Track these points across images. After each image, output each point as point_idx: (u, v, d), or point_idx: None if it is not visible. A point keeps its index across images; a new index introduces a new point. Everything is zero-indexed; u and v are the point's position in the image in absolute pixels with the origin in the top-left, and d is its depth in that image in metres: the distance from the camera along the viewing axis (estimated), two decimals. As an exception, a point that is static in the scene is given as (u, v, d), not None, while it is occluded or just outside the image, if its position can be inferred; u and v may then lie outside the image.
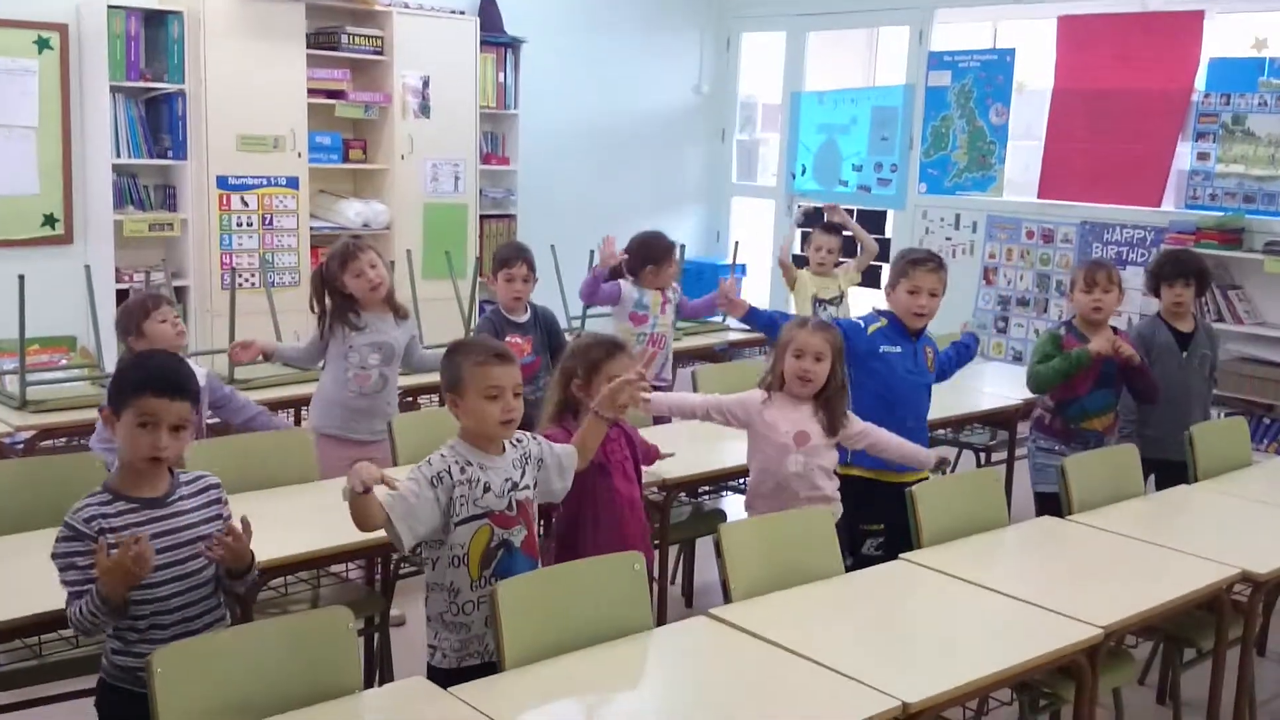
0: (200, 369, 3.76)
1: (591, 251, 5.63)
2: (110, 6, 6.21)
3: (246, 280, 6.55)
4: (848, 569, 3.18)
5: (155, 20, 6.40)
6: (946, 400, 4.55)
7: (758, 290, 8.76)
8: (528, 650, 2.50)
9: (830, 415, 3.49)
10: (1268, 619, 3.97)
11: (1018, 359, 7.39)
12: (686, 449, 3.81)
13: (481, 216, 7.77)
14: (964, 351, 4.33)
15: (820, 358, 3.45)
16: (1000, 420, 5.15)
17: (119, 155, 6.38)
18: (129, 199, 6.54)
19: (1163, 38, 7.07)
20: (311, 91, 6.89)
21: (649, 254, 5.16)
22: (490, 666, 2.56)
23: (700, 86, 9.33)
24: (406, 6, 7.31)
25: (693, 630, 2.78)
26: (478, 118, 7.61)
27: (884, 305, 4.07)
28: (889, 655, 2.64)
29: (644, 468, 3.41)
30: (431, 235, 7.38)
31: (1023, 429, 4.85)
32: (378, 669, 3.64)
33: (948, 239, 8.04)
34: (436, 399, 4.54)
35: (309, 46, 6.86)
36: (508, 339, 4.38)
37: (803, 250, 7.04)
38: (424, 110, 7.34)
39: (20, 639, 2.78)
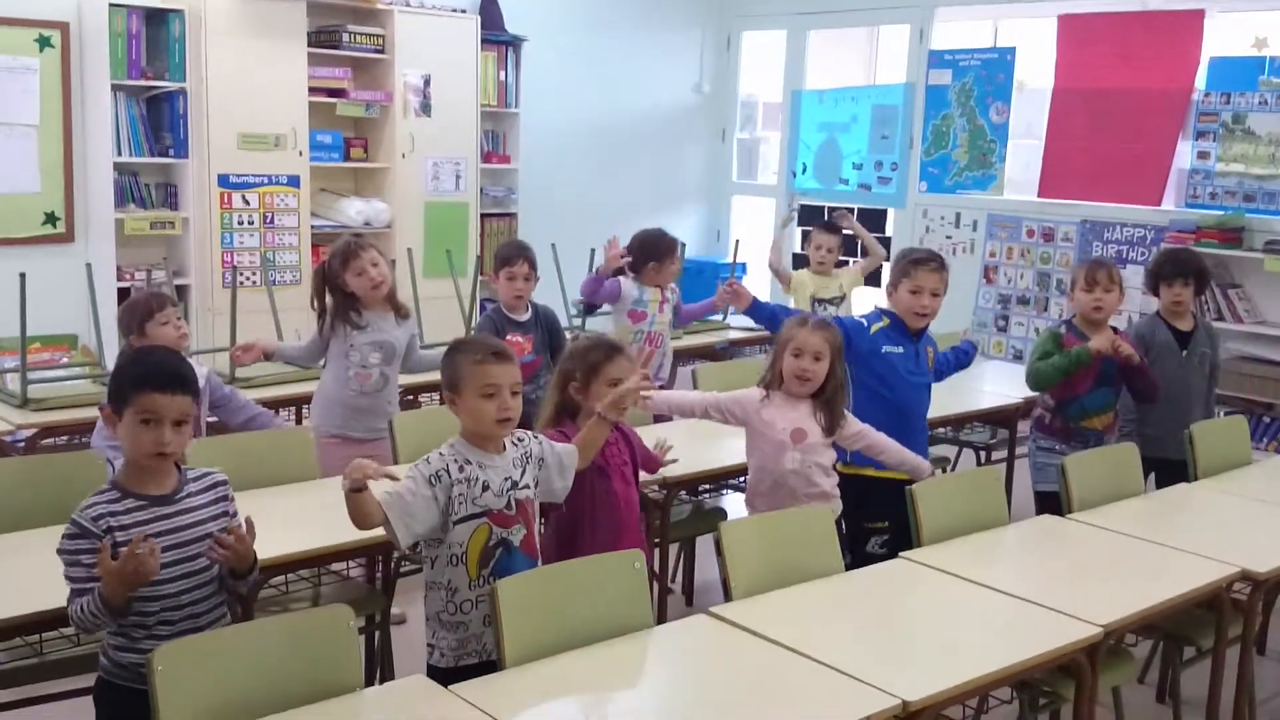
0: (201, 368, 3.76)
1: (593, 250, 5.63)
2: (111, 5, 6.21)
3: (247, 279, 6.56)
4: (847, 567, 3.18)
5: (156, 18, 6.40)
6: (947, 399, 4.55)
7: (758, 289, 8.71)
8: (528, 648, 2.50)
9: (828, 414, 3.49)
10: (1267, 618, 3.98)
11: (1018, 357, 7.39)
12: (686, 447, 3.81)
13: (482, 215, 7.77)
14: (962, 357, 4.35)
15: (819, 357, 3.45)
16: (1000, 419, 5.15)
17: (120, 153, 6.38)
18: (130, 197, 6.54)
19: (1163, 37, 7.07)
20: (313, 90, 6.89)
21: (652, 251, 5.18)
22: (488, 666, 2.56)
23: (701, 85, 9.33)
24: (408, 5, 7.31)
25: (693, 629, 2.78)
26: (479, 116, 7.61)
27: (885, 304, 4.07)
28: (889, 654, 2.64)
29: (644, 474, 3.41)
30: (432, 234, 7.38)
31: (1023, 428, 4.85)
32: (378, 667, 3.65)
33: (948, 238, 8.04)
34: (437, 398, 4.54)
35: (310, 45, 6.86)
36: (508, 338, 4.39)
37: (803, 249, 7.04)
38: (425, 109, 7.34)
39: (21, 637, 2.77)
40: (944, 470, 4.95)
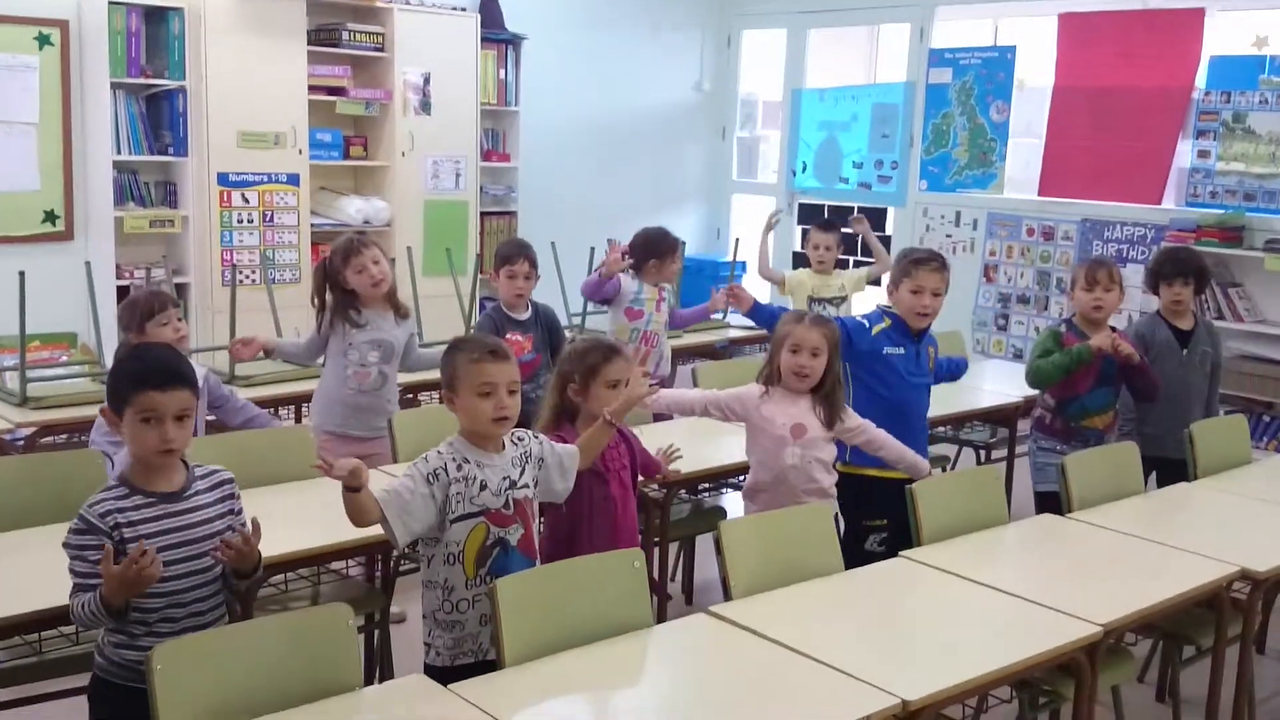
0: (201, 368, 3.76)
1: (593, 249, 5.63)
2: (111, 3, 6.20)
3: (247, 277, 6.55)
4: (846, 565, 3.18)
5: (156, 16, 6.39)
6: (947, 398, 4.55)
7: (758, 289, 8.73)
8: (527, 648, 2.50)
9: (827, 408, 3.50)
10: (1267, 617, 3.98)
11: (1018, 356, 7.39)
12: (686, 446, 3.80)
13: (482, 213, 7.76)
14: (954, 369, 4.37)
15: (817, 353, 3.45)
16: (1000, 418, 5.15)
17: (120, 152, 6.38)
18: (130, 195, 6.54)
19: (1163, 35, 7.07)
20: (312, 88, 6.89)
21: (654, 249, 5.20)
22: (484, 665, 2.56)
23: (701, 83, 9.33)
24: (407, 3, 7.30)
25: (692, 628, 2.78)
26: (478, 114, 7.61)
27: (886, 303, 4.07)
28: (889, 653, 2.64)
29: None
30: (432, 232, 7.37)
31: (1023, 427, 4.85)
32: (378, 666, 3.65)
33: (948, 236, 8.04)
34: (437, 396, 4.54)
35: (310, 43, 6.85)
36: (508, 336, 4.39)
37: (802, 249, 7.03)
38: (425, 107, 7.34)
39: (20, 635, 2.77)
40: (944, 469, 4.95)
